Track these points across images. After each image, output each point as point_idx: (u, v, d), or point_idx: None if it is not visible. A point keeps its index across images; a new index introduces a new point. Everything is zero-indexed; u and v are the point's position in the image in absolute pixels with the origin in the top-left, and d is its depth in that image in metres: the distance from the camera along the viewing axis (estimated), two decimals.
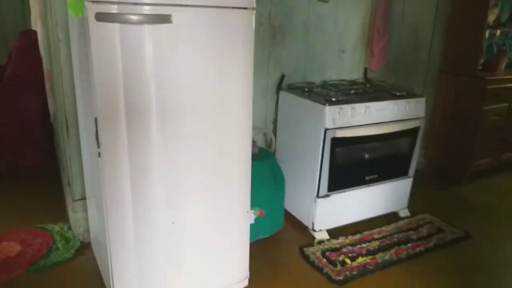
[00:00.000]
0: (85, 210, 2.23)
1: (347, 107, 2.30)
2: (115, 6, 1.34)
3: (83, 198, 2.24)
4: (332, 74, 2.92)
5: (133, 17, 1.37)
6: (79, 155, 2.16)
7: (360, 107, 2.35)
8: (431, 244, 2.49)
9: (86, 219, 2.24)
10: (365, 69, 3.08)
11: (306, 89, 2.57)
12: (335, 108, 2.26)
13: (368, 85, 2.80)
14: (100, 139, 1.46)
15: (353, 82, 2.88)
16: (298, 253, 2.35)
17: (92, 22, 1.34)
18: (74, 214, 2.25)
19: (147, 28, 1.40)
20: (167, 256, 1.71)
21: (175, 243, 1.70)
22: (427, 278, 2.19)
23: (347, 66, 2.98)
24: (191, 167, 1.64)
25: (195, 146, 1.62)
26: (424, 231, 2.64)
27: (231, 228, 1.85)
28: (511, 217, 2.93)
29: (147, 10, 1.39)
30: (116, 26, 1.36)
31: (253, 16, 1.62)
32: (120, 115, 1.45)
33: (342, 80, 2.91)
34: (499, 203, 3.15)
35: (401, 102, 2.52)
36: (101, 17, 1.34)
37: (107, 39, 1.37)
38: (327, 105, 2.25)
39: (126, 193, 1.55)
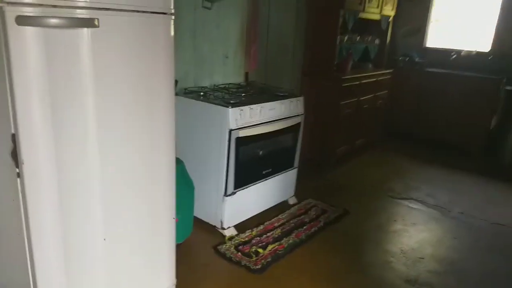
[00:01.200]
0: None
1: (246, 108, 2.47)
2: (40, 9, 1.21)
3: None
4: (219, 78, 3.06)
5: (61, 21, 1.25)
6: None
7: (257, 107, 2.55)
8: (321, 223, 2.85)
9: None
10: (246, 73, 3.30)
11: (202, 93, 2.65)
12: (237, 109, 2.40)
13: (252, 88, 3.03)
14: (23, 157, 1.28)
15: (239, 86, 3.07)
16: (213, 253, 2.41)
17: (12, 26, 1.18)
18: None
19: (73, 32, 1.30)
20: (97, 268, 1.60)
21: (107, 257, 1.60)
22: (325, 252, 2.52)
23: (231, 70, 3.15)
24: (122, 174, 1.57)
25: (124, 152, 1.56)
26: (312, 213, 2.99)
27: (158, 237, 1.82)
28: (371, 191, 3.54)
29: (75, 13, 1.29)
30: (40, 30, 1.23)
31: (172, 21, 1.64)
32: (47, 130, 1.30)
33: (229, 83, 3.06)
34: (360, 181, 3.77)
35: (286, 102, 2.81)
36: (23, 20, 1.19)
37: (29, 46, 1.22)
38: (230, 107, 2.37)
39: (54, 216, 1.39)
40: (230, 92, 2.78)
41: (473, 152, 4.65)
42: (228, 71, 3.13)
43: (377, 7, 4.17)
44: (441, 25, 5.18)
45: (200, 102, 2.52)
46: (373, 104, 4.38)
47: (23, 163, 1.29)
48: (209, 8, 2.81)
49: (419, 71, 4.92)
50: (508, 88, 4.59)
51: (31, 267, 1.42)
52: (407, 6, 5.08)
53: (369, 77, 4.20)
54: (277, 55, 3.66)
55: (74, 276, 1.52)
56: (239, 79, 3.25)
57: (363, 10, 3.95)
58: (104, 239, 1.57)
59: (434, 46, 5.16)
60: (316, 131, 3.90)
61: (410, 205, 3.31)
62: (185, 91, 2.68)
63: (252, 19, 3.21)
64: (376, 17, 4.27)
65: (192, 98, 2.57)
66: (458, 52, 4.94)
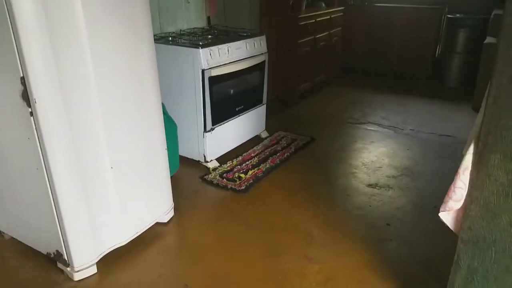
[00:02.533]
0: None
1: (215, 49, 2.66)
2: None
3: None
4: (183, 24, 3.19)
5: None
6: None
7: (224, 47, 2.74)
8: (292, 149, 3.18)
9: None
10: (208, 18, 3.43)
11: (170, 38, 2.80)
12: (207, 50, 2.59)
13: (217, 31, 3.19)
14: (34, 96, 1.46)
15: (203, 29, 3.21)
16: (201, 182, 2.69)
17: None
18: None
19: None
20: (109, 193, 1.83)
21: (116, 183, 1.83)
22: (298, 171, 2.86)
23: (194, 16, 3.27)
24: (119, 109, 1.77)
25: (119, 90, 1.75)
26: (284, 142, 3.31)
27: (156, 164, 2.06)
28: (333, 120, 3.89)
29: None
30: None
31: None
32: (51, 70, 1.47)
33: (194, 28, 3.20)
34: (322, 112, 4.10)
35: (250, 41, 3.01)
36: None
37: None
38: (200, 48, 2.55)
39: (68, 148, 1.59)
40: (197, 35, 2.94)
41: (421, 78, 5.08)
42: (190, 16, 3.25)
43: None
44: None
45: (171, 46, 2.67)
46: (328, 42, 4.64)
47: (35, 102, 1.46)
48: None
49: (368, 7, 5.19)
50: (449, 15, 4.98)
51: (53, 197, 1.63)
52: None
53: (323, 15, 4.42)
54: None
55: (91, 201, 1.75)
56: (202, 23, 3.39)
57: None
58: (111, 167, 1.79)
59: None
60: (279, 70, 4.13)
61: (368, 127, 3.69)
62: (154, 37, 2.80)
63: None
64: None
65: (162, 43, 2.72)
66: None
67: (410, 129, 3.64)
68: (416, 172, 2.86)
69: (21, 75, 1.44)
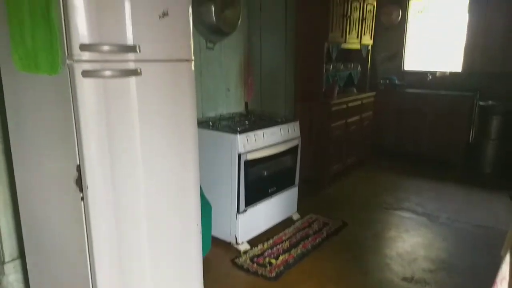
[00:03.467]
0: (18, 271, 2.10)
1: (251, 134, 2.80)
2: (99, 64, 1.54)
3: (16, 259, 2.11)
4: (223, 109, 3.40)
5: (114, 72, 1.58)
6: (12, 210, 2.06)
7: (260, 133, 2.88)
8: (324, 234, 3.14)
9: (22, 281, 2.11)
10: (246, 103, 3.65)
11: (210, 123, 2.98)
12: (244, 135, 2.73)
13: (253, 116, 3.37)
14: (87, 183, 1.58)
15: (241, 114, 3.41)
16: (231, 265, 2.68)
17: (79, 79, 1.50)
18: (4, 277, 2.09)
19: (123, 80, 1.63)
20: (145, 272, 1.86)
21: (151, 261, 1.87)
22: (330, 259, 2.81)
23: (233, 101, 3.50)
24: (161, 191, 1.87)
25: (162, 172, 1.86)
26: (315, 226, 3.29)
27: (190, 245, 2.10)
28: (365, 204, 3.86)
29: (124, 66, 1.62)
30: (99, 80, 1.55)
31: (192, 65, 1.98)
32: (106, 160, 1.60)
33: (232, 113, 3.40)
34: (354, 196, 4.09)
35: (284, 127, 3.15)
36: (86, 74, 1.51)
37: (91, 93, 1.54)
38: (238, 134, 2.70)
39: (111, 231, 1.67)
40: (235, 120, 3.12)
41: (455, 163, 5.03)
42: (230, 102, 3.47)
43: (357, 37, 4.62)
44: (416, 50, 5.67)
45: (211, 131, 2.84)
46: (360, 125, 4.76)
47: (87, 188, 1.58)
48: (212, 49, 3.18)
49: (399, 92, 5.36)
50: (481, 103, 5.04)
51: (91, 271, 1.68)
52: (384, 35, 5.59)
53: (354, 100, 4.60)
54: (271, 84, 4.03)
55: (126, 278, 1.78)
56: (240, 108, 3.60)
57: (345, 42, 4.39)
58: (149, 247, 1.84)
59: (412, 69, 5.63)
60: (311, 152, 4.23)
61: (402, 214, 3.63)
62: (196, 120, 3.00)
63: (247, 56, 3.59)
64: (357, 46, 4.71)
65: (203, 128, 2.89)
66: (433, 73, 5.41)
67: (446, 218, 3.55)
68: (453, 266, 2.74)
69: (78, 163, 1.57)
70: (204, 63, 3.13)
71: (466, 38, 5.16)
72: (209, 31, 3.06)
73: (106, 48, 1.53)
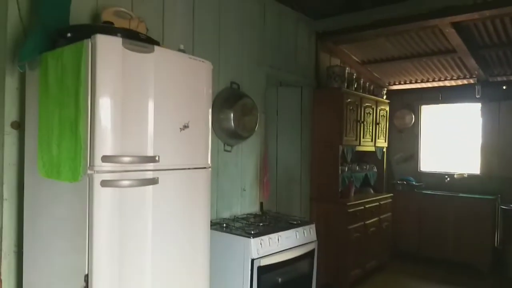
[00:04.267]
0: None
1: (265, 238, 2.74)
2: (118, 174, 1.59)
3: None
4: (238, 209, 3.38)
5: (133, 182, 1.63)
6: None
7: (275, 236, 2.82)
8: None
9: None
10: (261, 203, 3.64)
11: (224, 225, 2.94)
12: (257, 240, 2.67)
13: (268, 217, 3.33)
14: None
15: (256, 215, 3.38)
16: None
17: (97, 188, 1.54)
18: None
19: (140, 189, 1.67)
20: None
21: None
22: None
23: (248, 201, 3.50)
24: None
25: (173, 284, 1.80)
26: None
27: None
28: None
29: (143, 175, 1.67)
30: (116, 190, 1.59)
31: (209, 173, 2.03)
32: (114, 269, 1.58)
33: (247, 214, 3.38)
34: None
35: (300, 230, 3.08)
36: (106, 183, 1.56)
37: (108, 202, 1.57)
38: (251, 237, 2.65)
39: None
40: (249, 222, 3.08)
41: (480, 269, 4.73)
42: (245, 202, 3.47)
43: (371, 140, 4.72)
44: (432, 151, 5.72)
45: (224, 233, 2.80)
46: (379, 227, 4.63)
47: None
48: (229, 151, 3.28)
49: (417, 193, 5.28)
50: (503, 207, 4.89)
51: None
52: (398, 137, 5.72)
53: (372, 201, 4.54)
54: (287, 184, 4.06)
55: None
56: (255, 208, 3.58)
57: (359, 144, 4.48)
58: None
59: (428, 170, 5.62)
60: (329, 256, 4.06)
61: None
62: (210, 223, 2.97)
63: (264, 156, 3.68)
64: (371, 149, 4.80)
65: (216, 229, 2.85)
66: (451, 175, 5.37)
67: None
68: None
69: (86, 273, 1.55)
70: (221, 165, 3.21)
71: (482, 141, 5.22)
72: (228, 135, 3.19)
73: (126, 159, 1.61)
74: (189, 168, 1.89)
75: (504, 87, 5.05)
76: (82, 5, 2.23)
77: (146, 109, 1.68)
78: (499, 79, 5.02)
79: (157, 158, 1.70)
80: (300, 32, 4.15)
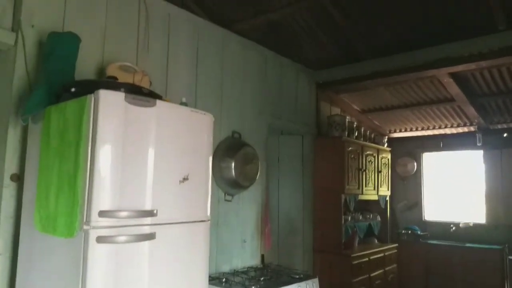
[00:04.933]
0: None
1: None
2: (115, 230, 1.56)
3: None
4: (238, 262, 3.28)
5: (129, 237, 1.59)
6: None
7: None
8: None
9: None
10: (262, 256, 3.54)
11: (224, 279, 2.84)
12: None
13: (269, 270, 3.22)
14: None
15: (256, 269, 3.27)
16: None
17: (92, 244, 1.50)
18: None
19: (136, 245, 1.62)
20: None
21: None
22: None
23: (249, 253, 3.40)
24: None
25: None
26: None
27: None
28: None
29: (140, 230, 1.63)
30: (112, 246, 1.55)
31: (208, 226, 1.99)
32: None
33: (247, 267, 3.27)
34: None
35: (302, 285, 2.97)
36: (101, 239, 1.52)
37: (103, 258, 1.52)
38: None
39: None
40: (250, 276, 2.97)
41: None
42: (246, 255, 3.37)
43: (374, 189, 4.68)
44: (435, 200, 5.64)
45: None
46: (384, 280, 4.47)
47: None
48: (230, 201, 3.24)
49: (422, 243, 5.15)
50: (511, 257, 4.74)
51: None
52: (401, 185, 5.66)
53: (376, 253, 4.42)
54: (288, 234, 3.97)
55: None
56: (256, 261, 3.47)
57: (362, 193, 4.43)
58: None
59: (433, 219, 5.51)
60: None
61: None
62: (209, 278, 2.87)
63: (265, 205, 3.63)
64: (374, 197, 4.74)
65: (215, 284, 2.75)
66: (456, 224, 5.26)
67: None
68: None
69: None
70: (222, 215, 3.16)
71: (485, 189, 5.16)
72: (229, 185, 3.16)
73: (124, 214, 1.58)
74: (187, 222, 1.85)
75: (504, 135, 5.06)
76: (88, 59, 2.29)
77: (146, 162, 1.67)
78: (499, 126, 5.04)
79: (155, 212, 1.67)
80: (301, 82, 4.24)
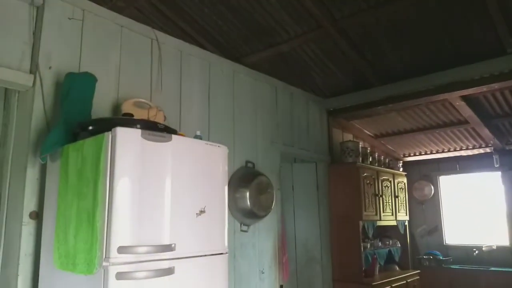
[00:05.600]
0: None
1: None
2: (134, 265, 1.55)
3: None
4: None
5: (149, 273, 1.58)
6: None
7: None
8: None
9: None
10: (281, 286, 3.47)
11: None
12: None
13: None
14: None
15: None
16: None
17: (112, 281, 1.50)
18: None
19: (155, 280, 1.61)
20: None
21: None
22: None
23: (267, 285, 3.33)
24: None
25: None
26: None
27: None
28: None
29: (159, 265, 1.63)
30: (131, 282, 1.54)
31: (227, 259, 1.97)
32: None
33: None
34: None
35: None
36: (121, 275, 1.52)
37: None
38: None
39: None
40: None
41: None
42: (264, 286, 3.31)
43: (392, 214, 4.59)
44: (456, 223, 5.50)
45: None
46: None
47: None
48: (246, 231, 3.21)
49: (445, 269, 4.99)
50: None
51: None
52: (419, 209, 5.55)
53: (398, 280, 4.29)
54: (307, 263, 3.89)
55: None
56: None
57: (380, 219, 4.35)
58: None
59: (455, 243, 5.36)
60: None
61: None
62: None
63: (281, 234, 3.58)
64: (393, 223, 4.65)
65: None
66: (479, 247, 5.10)
67: None
68: None
69: None
70: (238, 246, 3.12)
71: (507, 210, 5.03)
72: (244, 215, 3.15)
73: (143, 249, 1.58)
74: (205, 255, 1.84)
75: None
76: (104, 97, 2.36)
77: (163, 196, 1.69)
78: None
79: (173, 246, 1.67)
80: (312, 110, 4.27)
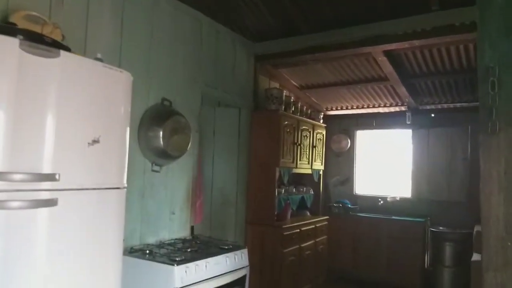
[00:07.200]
0: None
1: (191, 265, 2.55)
2: (7, 194, 1.38)
3: None
4: (165, 234, 3.17)
5: (23, 203, 1.41)
6: None
7: (202, 263, 2.64)
8: None
9: None
10: (192, 227, 3.45)
11: (147, 251, 2.72)
12: (182, 267, 2.48)
13: (198, 242, 3.15)
14: None
15: (185, 240, 3.18)
16: None
17: None
18: None
19: (33, 211, 1.45)
20: None
21: None
22: None
23: (177, 225, 3.29)
24: None
25: None
26: None
27: None
28: None
29: (37, 195, 1.46)
30: (2, 212, 1.37)
31: (124, 194, 1.85)
32: None
33: (175, 239, 3.17)
34: None
35: (231, 255, 2.93)
36: None
37: None
38: (175, 265, 2.45)
39: None
40: (176, 248, 2.88)
41: None
42: (174, 226, 3.27)
43: (308, 163, 4.73)
44: (366, 175, 5.87)
45: (146, 261, 2.58)
46: (314, 250, 4.59)
47: None
48: (158, 171, 3.09)
49: (352, 216, 5.36)
50: (432, 229, 5.08)
51: None
52: (335, 161, 5.82)
53: (308, 224, 4.51)
54: (221, 207, 3.91)
55: None
56: (185, 233, 3.38)
57: (296, 167, 4.47)
58: None
59: (363, 194, 5.75)
60: (263, 280, 3.93)
61: None
62: (131, 250, 2.74)
63: (197, 178, 3.52)
64: (308, 171, 4.81)
65: (137, 257, 2.62)
66: (384, 198, 5.52)
67: None
68: None
69: None
70: (148, 186, 3.01)
71: (412, 166, 5.44)
72: (157, 154, 3.01)
73: (17, 176, 1.40)
74: (97, 188, 1.70)
75: (432, 115, 5.33)
76: None
77: (45, 121, 1.49)
78: (428, 107, 5.29)
79: (57, 177, 1.51)
80: (238, 53, 4.11)
